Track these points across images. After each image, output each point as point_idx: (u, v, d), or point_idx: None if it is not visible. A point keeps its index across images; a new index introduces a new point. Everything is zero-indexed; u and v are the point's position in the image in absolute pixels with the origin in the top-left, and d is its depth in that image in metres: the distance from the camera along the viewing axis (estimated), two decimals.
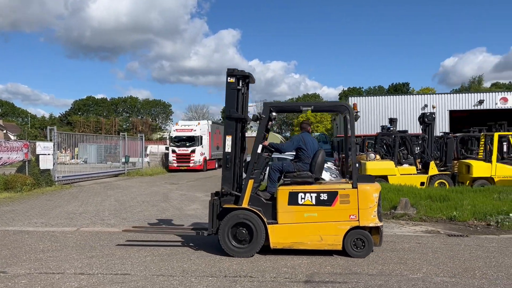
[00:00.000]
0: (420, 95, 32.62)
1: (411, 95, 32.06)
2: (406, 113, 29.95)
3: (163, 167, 26.23)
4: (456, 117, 33.08)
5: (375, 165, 13.97)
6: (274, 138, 59.82)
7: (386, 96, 34.11)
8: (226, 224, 6.04)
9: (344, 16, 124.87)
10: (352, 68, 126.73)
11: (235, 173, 6.34)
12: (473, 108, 29.90)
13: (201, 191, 15.25)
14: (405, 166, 14.07)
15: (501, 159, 14.71)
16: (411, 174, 13.87)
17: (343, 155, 22.94)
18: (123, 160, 23.00)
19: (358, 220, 5.88)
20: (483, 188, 12.05)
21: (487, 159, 13.59)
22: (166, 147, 28.94)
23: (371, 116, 31.79)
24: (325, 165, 17.34)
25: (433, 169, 13.75)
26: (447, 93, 32.60)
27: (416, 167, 14.30)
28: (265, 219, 5.96)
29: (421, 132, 15.76)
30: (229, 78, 6.36)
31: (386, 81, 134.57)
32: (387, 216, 9.39)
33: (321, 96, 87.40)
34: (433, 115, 15.09)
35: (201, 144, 25.99)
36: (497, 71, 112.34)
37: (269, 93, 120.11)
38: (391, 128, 18.06)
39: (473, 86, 61.67)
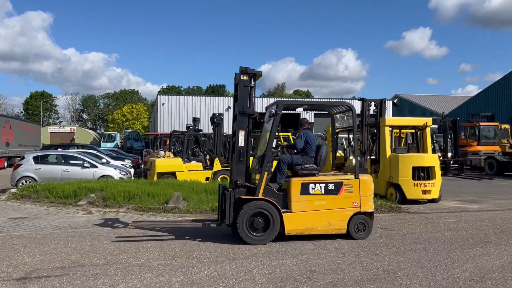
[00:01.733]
0: (224, 97, 35.14)
1: (216, 97, 34.35)
2: (212, 113, 31.93)
3: None
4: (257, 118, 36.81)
5: (164, 162, 14.51)
6: (87, 134, 55.93)
7: (194, 97, 35.73)
8: (245, 214, 6.23)
9: (168, 13, 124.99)
10: (176, 66, 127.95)
11: (247, 166, 6.54)
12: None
13: None
14: (193, 163, 15.01)
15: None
16: (197, 170, 14.87)
17: (146, 152, 23.16)
18: None
19: (360, 207, 6.61)
20: None
21: None
22: None
23: (182, 114, 32.73)
24: (117, 163, 17.30)
25: (217, 165, 15.02)
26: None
27: (206, 164, 15.42)
28: (280, 208, 6.27)
29: (223, 131, 17.07)
30: (242, 76, 6.58)
31: (206, 82, 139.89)
32: (158, 210, 9.89)
33: (140, 92, 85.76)
34: (221, 116, 16.47)
35: None
36: (303, 79, 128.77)
37: (86, 85, 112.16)
38: (190, 127, 19.02)
39: (277, 92, 69.28)
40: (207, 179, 14.79)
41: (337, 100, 6.78)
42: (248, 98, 6.61)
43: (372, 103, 13.69)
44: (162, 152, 14.81)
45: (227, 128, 29.24)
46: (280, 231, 6.32)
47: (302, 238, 6.49)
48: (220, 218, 6.58)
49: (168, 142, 20.68)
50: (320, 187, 6.51)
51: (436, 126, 24.87)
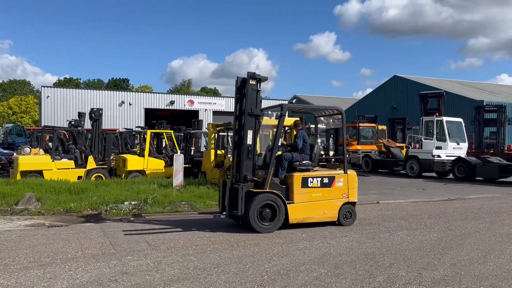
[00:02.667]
0: (117, 92, 33.64)
1: (109, 91, 32.74)
2: (103, 108, 30.21)
3: None
4: (160, 115, 35.84)
5: (28, 159, 13.36)
6: None
7: (84, 90, 33.65)
8: (256, 205, 6.87)
9: (73, 4, 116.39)
10: (79, 58, 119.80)
11: (253, 162, 7.11)
12: (166, 107, 32.96)
13: None
14: (64, 160, 14.04)
15: (158, 153, 16.64)
16: (68, 168, 13.94)
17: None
18: None
19: (348, 197, 7.65)
20: (127, 180, 13.27)
21: (141, 153, 15.07)
22: None
23: (70, 108, 30.57)
24: None
25: (91, 163, 14.22)
26: (145, 92, 34.89)
27: (82, 161, 14.51)
28: (285, 200, 7.05)
29: (114, 127, 16.17)
30: (251, 80, 7.14)
31: (109, 75, 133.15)
32: (6, 212, 9.04)
33: (33, 83, 78.67)
34: (100, 111, 15.63)
35: None
36: (215, 77, 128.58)
37: None
38: (72, 122, 17.77)
39: (183, 88, 68.26)
40: (79, 177, 13.95)
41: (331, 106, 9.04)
42: (255, 101, 7.18)
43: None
44: (27, 149, 13.60)
45: (109, 124, 27.99)
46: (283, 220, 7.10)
47: (300, 226, 7.32)
48: (228, 210, 7.18)
49: (47, 138, 19.19)
50: (317, 180, 7.46)
51: (321, 126, 26.38)
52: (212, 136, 14.62)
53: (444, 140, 19.56)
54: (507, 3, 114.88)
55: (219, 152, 14.90)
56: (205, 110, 33.18)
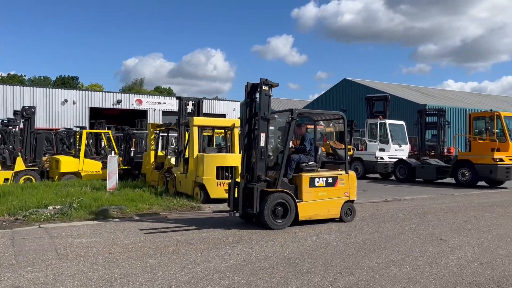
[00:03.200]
0: (60, 90, 32.11)
1: (50, 89, 31.16)
2: (45, 106, 28.78)
3: None
4: (109, 114, 34.52)
5: None
6: None
7: (25, 87, 31.84)
8: (270, 204, 7.27)
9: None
10: (27, 54, 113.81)
11: (266, 163, 7.51)
12: (112, 106, 31.82)
13: None
14: None
15: (97, 154, 15.89)
16: None
17: None
18: None
19: (349, 196, 8.29)
20: (58, 183, 12.54)
21: (77, 154, 14.32)
22: None
23: (10, 106, 28.82)
24: None
25: (19, 165, 13.34)
26: (90, 91, 33.54)
27: (10, 162, 13.57)
28: (295, 199, 7.53)
29: (57, 127, 15.18)
30: (264, 86, 7.44)
31: (58, 72, 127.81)
32: None
33: None
34: (33, 109, 14.72)
35: None
36: (171, 77, 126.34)
37: None
38: (4, 121, 16.62)
39: (135, 87, 66.46)
40: (6, 180, 13.03)
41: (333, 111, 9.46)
42: (268, 106, 7.48)
43: (190, 102, 13.63)
44: None
45: (52, 123, 26.61)
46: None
47: (307, 223, 7.79)
48: (242, 208, 7.45)
49: None
50: (323, 180, 8.00)
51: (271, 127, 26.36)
52: (152, 136, 14.14)
53: (387, 142, 20.07)
54: (454, 13, 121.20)
55: (160, 153, 14.45)
56: (154, 110, 32.32)
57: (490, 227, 7.96)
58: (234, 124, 11.77)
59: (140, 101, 32.45)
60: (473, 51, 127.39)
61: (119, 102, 31.81)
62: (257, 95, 7.63)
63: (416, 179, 18.14)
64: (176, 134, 13.44)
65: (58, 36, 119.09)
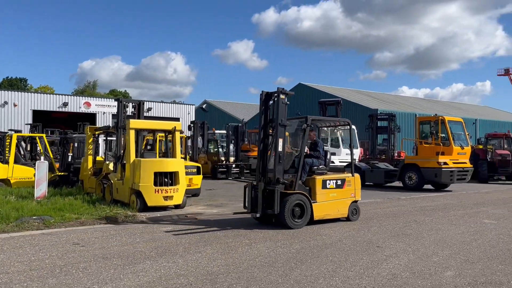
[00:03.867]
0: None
1: None
2: None
3: None
4: (57, 117, 32.74)
5: None
6: None
7: None
8: (290, 205, 7.77)
9: None
10: None
11: (283, 167, 7.95)
12: (58, 109, 30.24)
13: None
14: None
15: (31, 160, 14.78)
16: None
17: None
18: None
19: (355, 196, 8.91)
20: None
21: (5, 160, 13.22)
22: None
23: None
24: None
25: None
26: (31, 92, 31.72)
27: None
28: (311, 200, 8.05)
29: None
30: (281, 95, 7.97)
31: (5, 73, 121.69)
32: None
33: None
34: None
35: None
36: (130, 80, 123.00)
37: None
38: None
39: (88, 89, 64.03)
40: None
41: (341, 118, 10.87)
42: (285, 113, 8.03)
43: (130, 104, 12.92)
44: None
45: None
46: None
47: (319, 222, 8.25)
48: (261, 210, 7.74)
49: None
50: (333, 182, 8.59)
51: (224, 131, 25.86)
52: (90, 140, 13.27)
53: (338, 147, 20.09)
54: (408, 22, 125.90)
55: (98, 158, 13.59)
56: (104, 113, 31.00)
57: (429, 232, 7.83)
58: (175, 127, 11.14)
59: (88, 104, 30.99)
60: (426, 59, 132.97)
61: (65, 104, 30.23)
62: (270, 102, 8.27)
63: (366, 183, 18.18)
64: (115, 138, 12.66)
65: (7, 37, 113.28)
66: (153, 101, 35.40)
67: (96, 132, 13.36)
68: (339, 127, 17.68)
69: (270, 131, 8.30)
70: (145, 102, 13.07)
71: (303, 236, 7.30)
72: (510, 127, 33.28)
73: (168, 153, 11.66)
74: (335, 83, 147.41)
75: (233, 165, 21.40)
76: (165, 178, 10.27)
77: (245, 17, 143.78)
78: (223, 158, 21.84)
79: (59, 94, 31.84)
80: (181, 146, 24.99)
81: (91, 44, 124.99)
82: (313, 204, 8.12)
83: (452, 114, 35.98)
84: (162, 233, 7.50)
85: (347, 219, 8.78)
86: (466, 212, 10.45)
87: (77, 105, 30.81)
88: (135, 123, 10.75)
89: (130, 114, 12.69)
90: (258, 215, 7.88)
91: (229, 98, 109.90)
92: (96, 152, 13.60)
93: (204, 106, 45.41)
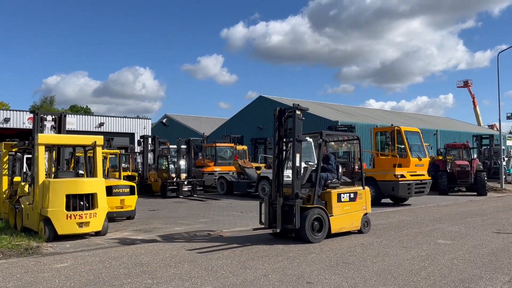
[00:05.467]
0: None
1: None
2: None
3: None
4: (4, 134, 30.43)
5: None
6: None
7: None
8: (309, 219, 7.80)
9: None
10: None
11: (301, 182, 8.11)
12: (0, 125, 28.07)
13: None
14: None
15: None
16: None
17: None
18: None
19: (366, 209, 9.19)
20: None
21: None
22: None
23: None
24: None
25: None
26: None
27: None
28: (328, 213, 8.14)
29: None
30: (297, 111, 8.03)
31: None
32: None
33: None
34: None
35: None
36: (97, 96, 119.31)
37: None
38: None
39: (45, 105, 61.14)
40: None
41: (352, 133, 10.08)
42: (301, 129, 8.04)
43: (50, 117, 11.44)
44: None
45: None
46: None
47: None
48: (281, 225, 7.76)
49: None
50: (347, 196, 8.68)
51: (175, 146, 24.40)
52: (5, 159, 11.66)
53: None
54: (373, 37, 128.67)
55: (16, 178, 11.94)
56: (52, 128, 28.90)
57: (374, 259, 6.74)
58: (95, 142, 9.67)
59: (31, 119, 28.85)
60: (391, 73, 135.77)
61: (6, 120, 28.07)
62: (283, 118, 8.26)
63: None
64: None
65: None
66: (105, 116, 33.52)
67: (13, 150, 11.75)
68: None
69: (284, 146, 8.38)
70: (66, 115, 11.65)
71: (229, 269, 6.04)
72: (470, 138, 33.37)
73: (88, 172, 10.21)
74: (305, 96, 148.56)
75: (185, 182, 19.98)
76: (81, 201, 8.84)
77: (214, 32, 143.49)
78: (173, 175, 20.35)
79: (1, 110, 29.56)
80: (128, 163, 23.67)
81: (56, 60, 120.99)
82: (331, 217, 8.22)
83: (413, 125, 35.85)
84: (54, 271, 6.08)
85: (359, 231, 8.90)
86: (420, 231, 9.50)
87: (20, 120, 28.66)
88: (44, 138, 9.27)
89: (51, 128, 11.22)
90: (278, 231, 7.85)
91: (199, 113, 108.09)
92: (17, 172, 12.00)
93: (164, 121, 43.77)
